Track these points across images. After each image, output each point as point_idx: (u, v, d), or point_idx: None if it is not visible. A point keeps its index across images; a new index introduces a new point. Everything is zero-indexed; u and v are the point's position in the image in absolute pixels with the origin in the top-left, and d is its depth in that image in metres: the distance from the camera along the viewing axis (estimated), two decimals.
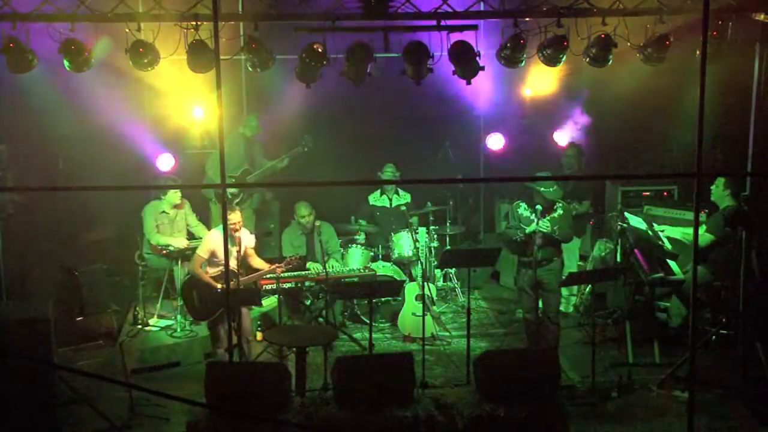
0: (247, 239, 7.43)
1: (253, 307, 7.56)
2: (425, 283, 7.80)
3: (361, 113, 9.97)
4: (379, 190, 9.35)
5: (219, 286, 7.07)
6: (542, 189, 6.81)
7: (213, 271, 7.21)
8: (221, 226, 7.21)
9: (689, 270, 6.66)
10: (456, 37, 6.48)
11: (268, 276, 7.43)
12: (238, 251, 7.16)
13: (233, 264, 6.94)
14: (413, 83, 6.63)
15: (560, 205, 7.01)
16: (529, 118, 10.15)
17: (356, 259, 8.55)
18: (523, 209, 7.02)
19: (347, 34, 6.49)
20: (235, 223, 7.10)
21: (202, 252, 7.18)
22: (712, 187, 7.17)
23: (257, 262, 7.48)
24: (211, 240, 7.21)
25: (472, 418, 5.47)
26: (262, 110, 8.99)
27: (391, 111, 10.01)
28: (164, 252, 8.06)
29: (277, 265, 7.39)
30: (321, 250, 8.26)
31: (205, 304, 7.14)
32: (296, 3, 6.35)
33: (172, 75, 7.70)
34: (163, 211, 8.24)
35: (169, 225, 8.24)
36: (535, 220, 6.78)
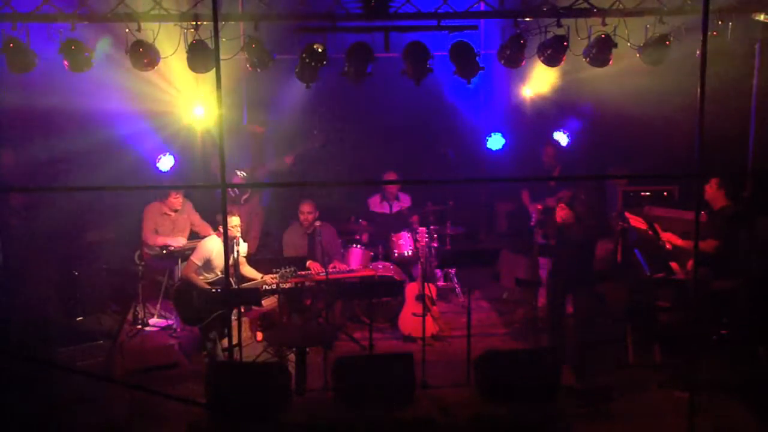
0: (240, 246, 7.38)
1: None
2: (425, 283, 7.79)
3: (361, 114, 9.96)
4: (379, 196, 9.35)
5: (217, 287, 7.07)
6: None
7: (208, 277, 7.17)
8: (214, 236, 7.22)
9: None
10: (456, 37, 6.49)
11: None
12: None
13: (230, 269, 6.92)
14: (413, 83, 6.63)
15: None
16: (529, 118, 10.14)
17: (356, 259, 8.55)
18: None
19: (347, 34, 6.49)
20: (233, 227, 7.06)
21: (197, 259, 7.12)
22: (706, 186, 7.16)
23: (247, 270, 7.47)
24: (206, 248, 7.16)
25: (472, 418, 5.48)
26: (262, 110, 8.96)
27: (391, 111, 10.00)
28: (164, 252, 8.06)
29: (270, 276, 7.38)
30: (321, 251, 8.25)
31: (201, 308, 7.03)
32: (296, 3, 6.35)
33: (172, 75, 7.71)
34: (165, 213, 8.24)
35: (170, 226, 8.24)
36: None
